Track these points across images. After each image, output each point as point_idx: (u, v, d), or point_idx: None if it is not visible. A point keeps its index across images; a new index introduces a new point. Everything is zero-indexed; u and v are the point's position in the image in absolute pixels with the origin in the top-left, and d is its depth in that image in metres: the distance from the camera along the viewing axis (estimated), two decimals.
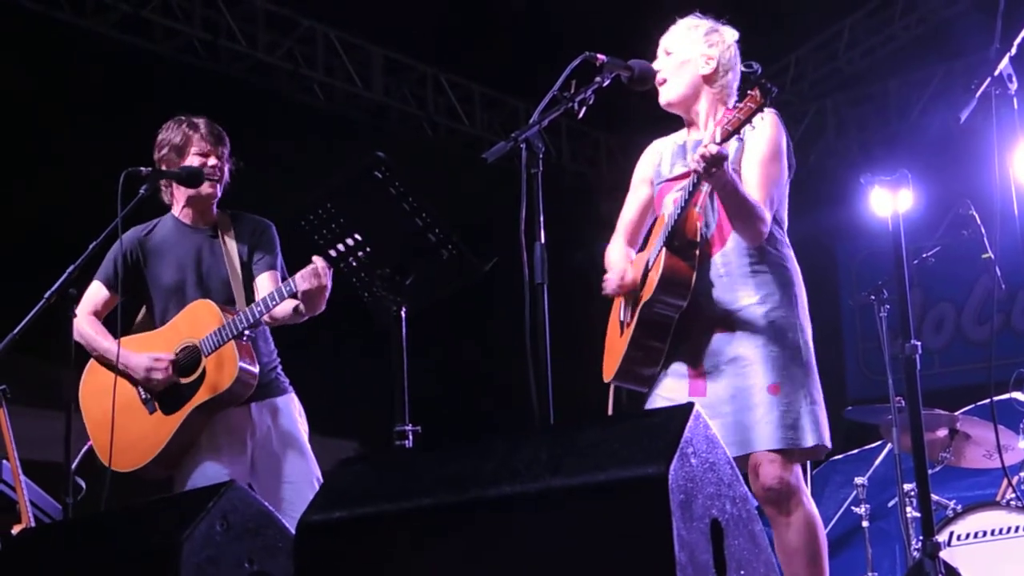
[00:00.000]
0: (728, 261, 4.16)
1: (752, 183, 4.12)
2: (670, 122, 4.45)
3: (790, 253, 4.27)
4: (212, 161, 4.98)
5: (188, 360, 4.87)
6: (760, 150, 4.16)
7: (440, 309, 4.55)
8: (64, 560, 3.67)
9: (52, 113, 8.75)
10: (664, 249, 4.12)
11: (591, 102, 4.00)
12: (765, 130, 4.15)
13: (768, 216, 4.10)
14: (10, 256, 8.50)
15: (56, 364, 4.92)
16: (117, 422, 4.79)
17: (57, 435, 4.89)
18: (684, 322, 4.12)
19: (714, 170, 3.86)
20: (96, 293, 5.07)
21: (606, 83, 4.08)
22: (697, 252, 4.12)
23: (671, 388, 4.16)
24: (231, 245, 5.00)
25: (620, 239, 4.50)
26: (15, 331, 4.84)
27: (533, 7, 9.97)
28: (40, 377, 6.12)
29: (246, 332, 4.78)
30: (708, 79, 4.30)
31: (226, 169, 5.05)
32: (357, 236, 3.99)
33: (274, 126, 9.68)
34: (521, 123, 10.87)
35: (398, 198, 3.86)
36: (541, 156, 3.79)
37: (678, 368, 4.16)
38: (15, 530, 5.05)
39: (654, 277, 4.10)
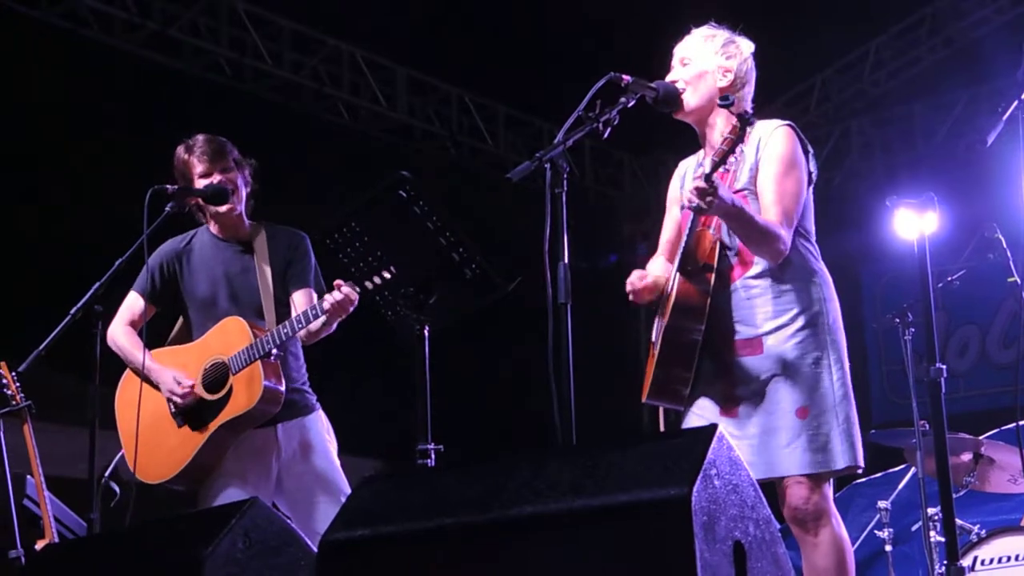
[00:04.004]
0: (752, 284, 4.11)
1: (767, 200, 4.08)
2: (693, 143, 4.44)
3: (820, 266, 4.20)
4: (216, 179, 4.99)
5: (216, 377, 4.89)
6: (773, 166, 4.11)
7: (463, 328, 4.55)
8: None
9: (79, 130, 8.80)
10: (678, 274, 4.11)
11: (616, 123, 3.98)
12: (777, 145, 4.13)
13: (785, 233, 4.04)
14: (37, 271, 8.55)
15: (82, 380, 4.94)
16: (148, 434, 4.85)
17: (82, 451, 4.90)
18: (712, 344, 4.09)
19: (708, 200, 3.81)
20: (133, 304, 5.11)
21: (631, 104, 4.06)
22: (712, 276, 4.08)
23: (704, 407, 4.14)
24: (263, 260, 5.01)
25: (660, 257, 4.44)
26: (41, 347, 4.87)
27: (558, 28, 9.99)
28: (65, 393, 6.14)
29: (273, 351, 4.81)
30: (725, 92, 4.23)
31: (238, 181, 5.05)
32: (381, 255, 4.00)
33: (299, 145, 9.72)
34: (545, 143, 10.93)
35: (422, 217, 3.86)
36: (565, 176, 3.79)
37: (709, 389, 4.13)
38: (39, 545, 5.07)
39: (670, 303, 4.10)
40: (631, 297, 4.27)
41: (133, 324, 5.10)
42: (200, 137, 5.04)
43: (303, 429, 4.97)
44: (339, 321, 4.80)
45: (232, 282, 5.02)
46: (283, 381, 4.86)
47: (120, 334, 5.07)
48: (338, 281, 4.65)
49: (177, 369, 4.95)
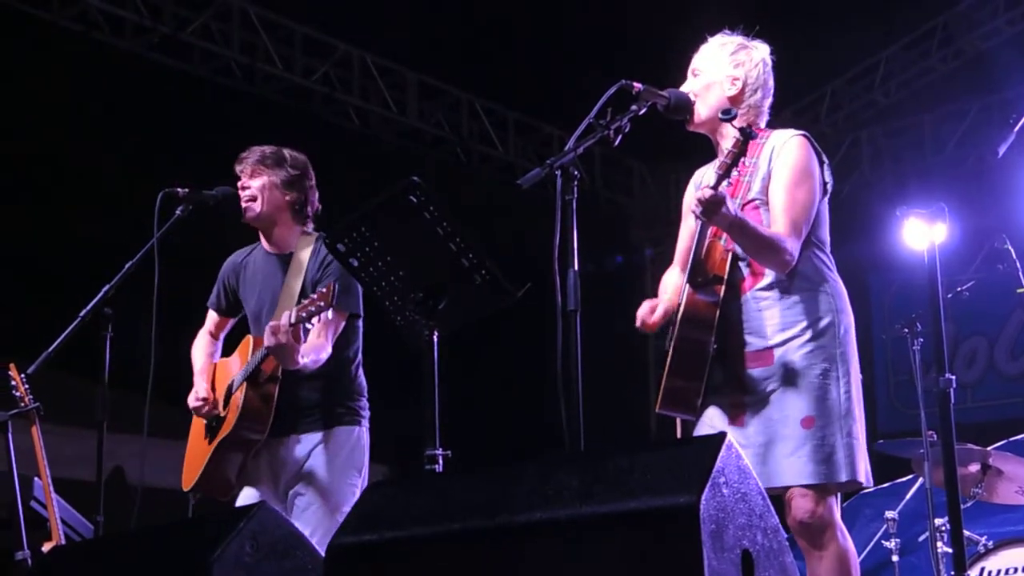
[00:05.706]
0: (763, 295, 4.09)
1: (777, 210, 4.07)
2: (703, 151, 4.44)
3: (833, 277, 4.16)
4: (241, 182, 4.97)
5: (228, 396, 4.93)
6: (785, 176, 4.09)
7: (473, 333, 4.55)
8: None
9: (90, 133, 8.82)
10: (687, 286, 4.10)
11: (627, 130, 3.98)
12: (789, 155, 4.10)
13: (791, 244, 4.02)
14: (45, 273, 8.57)
15: (90, 383, 4.95)
16: (194, 441, 4.99)
17: (89, 454, 4.91)
18: (723, 355, 4.07)
19: (713, 212, 3.82)
20: (210, 315, 5.20)
21: (642, 111, 4.06)
22: (721, 287, 4.06)
23: (713, 417, 4.12)
24: (296, 277, 4.90)
25: (676, 267, 4.41)
26: (50, 349, 4.88)
27: (569, 34, 9.99)
28: (74, 396, 6.15)
29: (263, 375, 4.77)
30: (734, 100, 4.22)
31: (262, 190, 4.95)
32: (391, 259, 4.00)
33: (309, 149, 9.70)
34: (555, 149, 10.93)
35: (432, 222, 3.86)
36: (576, 183, 3.79)
37: (719, 399, 4.11)
38: (46, 547, 5.08)
39: (679, 314, 4.09)
40: (640, 327, 4.25)
41: (212, 334, 5.19)
42: (257, 147, 5.03)
43: (314, 443, 4.85)
44: (284, 361, 4.68)
45: (272, 297, 4.95)
46: (271, 404, 4.77)
47: (197, 340, 5.17)
48: (272, 323, 4.59)
49: (216, 380, 5.01)
